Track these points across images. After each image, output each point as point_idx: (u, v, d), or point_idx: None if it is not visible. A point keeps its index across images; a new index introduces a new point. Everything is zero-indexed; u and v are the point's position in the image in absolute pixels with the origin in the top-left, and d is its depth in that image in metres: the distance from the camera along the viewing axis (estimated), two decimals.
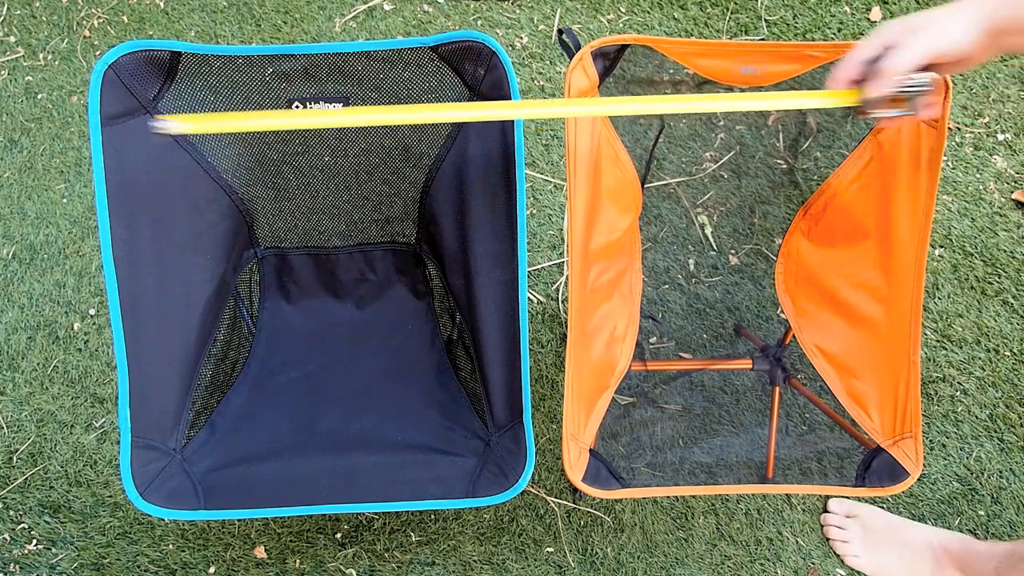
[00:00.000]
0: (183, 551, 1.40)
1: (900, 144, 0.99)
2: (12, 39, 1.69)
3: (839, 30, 1.62)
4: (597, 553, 1.39)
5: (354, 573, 1.38)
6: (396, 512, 1.41)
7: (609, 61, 0.96)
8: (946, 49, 0.70)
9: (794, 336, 1.27)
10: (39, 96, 1.65)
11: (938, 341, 1.48)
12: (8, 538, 1.42)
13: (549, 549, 1.40)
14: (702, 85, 1.19)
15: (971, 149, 1.56)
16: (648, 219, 1.46)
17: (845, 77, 0.76)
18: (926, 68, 0.73)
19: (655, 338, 1.47)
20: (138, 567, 1.40)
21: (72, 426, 1.47)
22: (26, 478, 1.45)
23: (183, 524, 1.40)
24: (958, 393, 1.45)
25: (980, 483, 1.41)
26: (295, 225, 1.23)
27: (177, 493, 0.95)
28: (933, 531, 1.34)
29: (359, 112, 0.82)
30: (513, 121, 0.93)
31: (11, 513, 1.43)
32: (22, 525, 1.43)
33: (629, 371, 1.22)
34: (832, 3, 1.63)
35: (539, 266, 1.54)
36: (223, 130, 0.79)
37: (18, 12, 1.70)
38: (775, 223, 1.39)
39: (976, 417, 1.44)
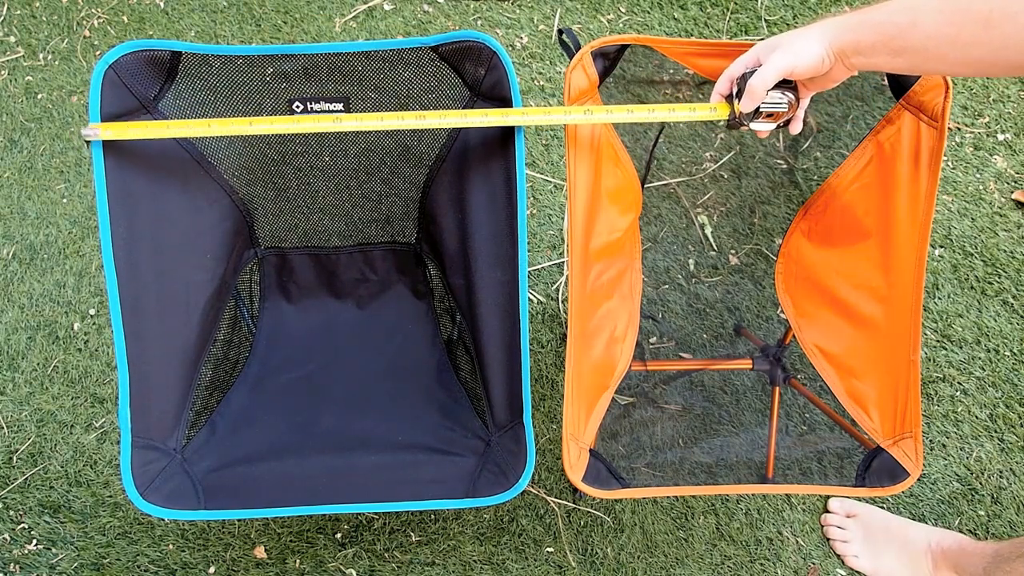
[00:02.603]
0: (183, 551, 1.40)
1: (900, 144, 0.99)
2: (12, 39, 1.69)
3: None
4: (597, 553, 1.39)
5: (354, 573, 1.38)
6: (396, 512, 1.41)
7: (609, 61, 0.96)
8: (797, 65, 0.78)
9: (794, 336, 1.27)
10: (39, 96, 1.65)
11: (938, 341, 1.48)
12: (8, 538, 1.42)
13: (549, 549, 1.40)
14: (702, 85, 1.19)
15: (971, 149, 1.56)
16: (648, 219, 1.46)
17: (720, 92, 0.86)
18: (789, 85, 0.83)
19: (655, 338, 1.47)
20: (138, 567, 1.40)
21: (72, 426, 1.47)
22: (26, 478, 1.45)
23: (183, 524, 1.40)
24: (958, 393, 1.45)
25: (980, 483, 1.41)
26: (295, 225, 1.23)
27: (177, 493, 0.95)
28: (932, 531, 1.34)
29: (348, 119, 0.87)
30: None
31: (11, 513, 1.43)
32: (22, 525, 1.43)
33: (629, 371, 1.22)
34: (832, 3, 1.63)
35: (539, 266, 1.54)
36: (150, 136, 0.83)
37: (18, 12, 1.70)
38: (775, 223, 1.39)
39: (976, 417, 1.44)
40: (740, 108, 0.84)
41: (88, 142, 0.84)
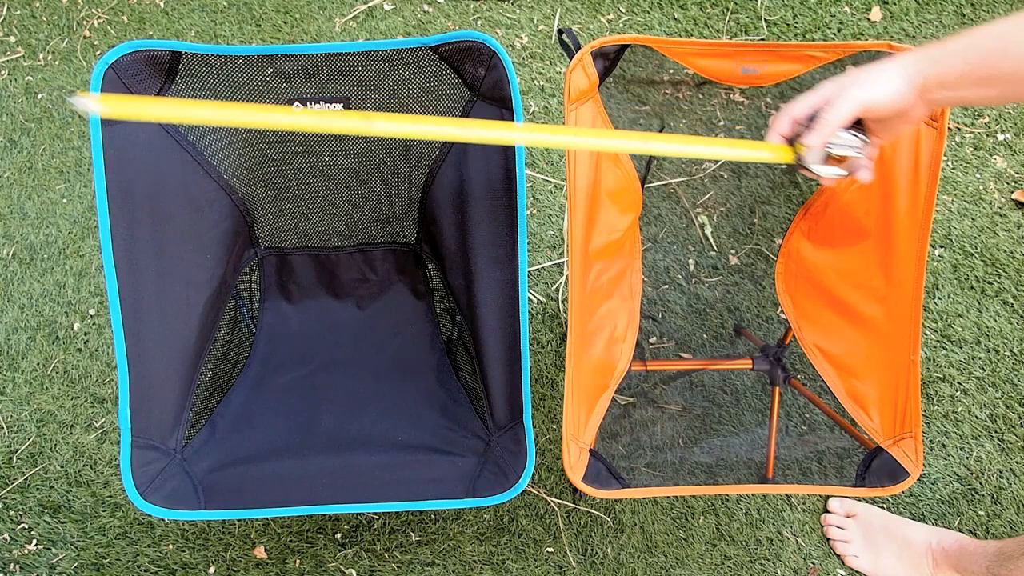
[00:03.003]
0: (183, 551, 1.40)
1: (900, 144, 0.99)
2: (12, 39, 1.69)
3: (839, 30, 1.62)
4: (597, 553, 1.39)
5: (354, 573, 1.38)
6: (396, 512, 1.41)
7: (609, 61, 0.96)
8: (877, 100, 0.72)
9: (794, 336, 1.27)
10: (39, 96, 1.65)
11: (938, 341, 1.48)
12: (8, 538, 1.42)
13: (549, 549, 1.40)
14: (702, 85, 1.19)
15: (971, 149, 1.56)
16: (648, 219, 1.46)
17: (780, 132, 0.78)
18: (862, 126, 0.75)
19: (655, 338, 1.47)
20: (138, 567, 1.40)
21: (72, 426, 1.47)
22: (26, 478, 1.45)
23: (183, 524, 1.40)
24: (958, 393, 1.45)
25: (980, 483, 1.41)
26: (295, 225, 1.23)
27: (177, 493, 0.95)
28: (932, 531, 1.34)
29: (332, 115, 0.70)
30: (513, 121, 0.93)
31: (11, 513, 1.43)
32: (22, 525, 1.43)
33: (629, 371, 1.22)
34: (832, 3, 1.63)
35: (539, 266, 1.54)
36: (144, 117, 0.73)
37: (18, 12, 1.70)
38: (775, 223, 1.39)
39: (976, 417, 1.44)
40: (806, 147, 0.75)
41: (92, 144, 0.78)
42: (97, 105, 0.68)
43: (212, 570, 1.39)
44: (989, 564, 1.17)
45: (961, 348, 1.47)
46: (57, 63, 1.67)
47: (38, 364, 1.51)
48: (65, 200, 1.59)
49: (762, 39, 1.63)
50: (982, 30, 0.69)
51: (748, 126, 1.38)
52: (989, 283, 1.50)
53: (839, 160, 0.76)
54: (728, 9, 1.64)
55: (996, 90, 0.68)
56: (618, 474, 1.04)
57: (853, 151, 0.75)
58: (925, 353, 1.47)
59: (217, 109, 0.71)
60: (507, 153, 0.96)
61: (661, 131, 1.22)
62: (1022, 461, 1.42)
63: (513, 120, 0.93)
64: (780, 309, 1.40)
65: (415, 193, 1.18)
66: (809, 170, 0.77)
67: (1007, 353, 1.47)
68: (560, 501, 1.41)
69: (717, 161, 1.45)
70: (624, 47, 0.95)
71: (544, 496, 1.42)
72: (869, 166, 0.78)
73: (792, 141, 0.77)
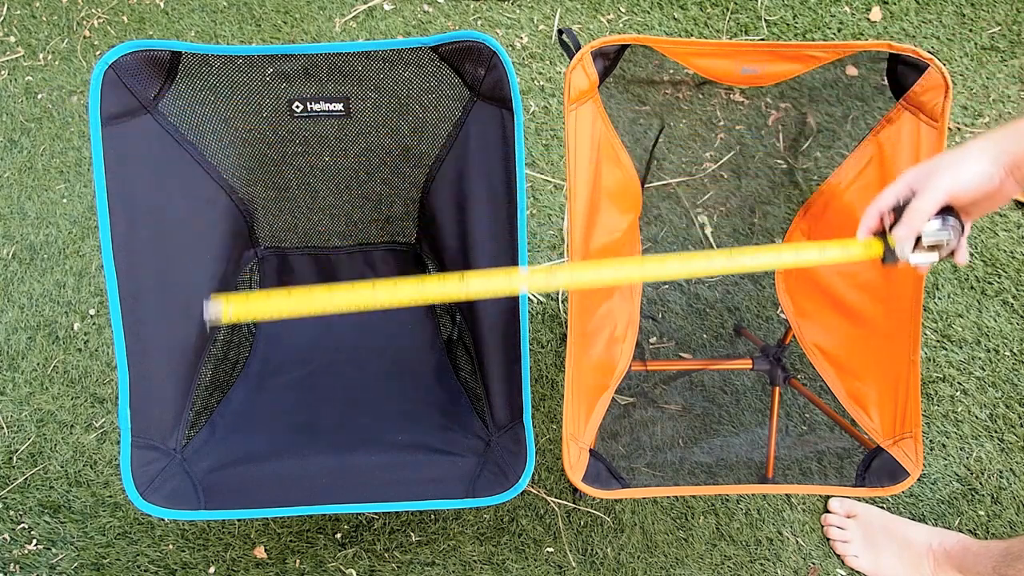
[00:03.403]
0: (183, 551, 1.40)
1: (900, 144, 0.99)
2: (12, 39, 1.69)
3: (839, 30, 1.62)
4: (597, 553, 1.39)
5: (354, 573, 1.38)
6: (396, 512, 1.41)
7: (609, 61, 0.96)
8: (965, 187, 0.70)
9: (794, 336, 1.27)
10: (39, 96, 1.65)
11: (938, 341, 1.48)
12: (8, 538, 1.42)
13: (549, 549, 1.40)
14: (702, 85, 1.19)
15: None
16: (648, 219, 1.45)
17: (870, 227, 0.76)
18: (952, 211, 0.73)
19: (655, 338, 1.47)
20: (138, 567, 1.40)
21: (72, 426, 1.47)
22: (26, 478, 1.45)
23: (183, 524, 1.40)
24: (958, 393, 1.45)
25: (980, 483, 1.41)
26: (295, 225, 1.23)
27: (177, 493, 0.95)
28: (932, 531, 1.34)
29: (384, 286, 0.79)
30: (513, 121, 0.93)
31: (11, 513, 1.43)
32: (22, 525, 1.43)
33: (629, 371, 1.22)
34: (832, 3, 1.63)
35: (539, 266, 1.54)
36: (273, 315, 0.78)
37: (18, 12, 1.70)
38: (775, 223, 1.39)
39: (976, 417, 1.44)
40: (897, 238, 0.73)
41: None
42: (227, 308, 0.73)
43: (212, 570, 1.39)
44: (996, 564, 1.16)
45: (961, 348, 1.47)
46: (57, 63, 1.67)
47: (38, 364, 1.51)
48: (65, 200, 1.59)
49: (762, 39, 1.63)
50: None
51: (748, 126, 1.38)
52: (989, 283, 1.50)
53: (931, 247, 0.75)
54: (728, 9, 1.64)
55: None
56: (618, 474, 1.04)
57: (944, 236, 0.73)
58: (925, 353, 1.47)
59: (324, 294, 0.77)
60: (507, 153, 0.96)
61: (661, 130, 1.22)
62: (1022, 461, 1.42)
63: (513, 120, 0.93)
64: (780, 309, 1.40)
65: (415, 193, 1.18)
66: (902, 261, 0.75)
67: (1007, 353, 1.47)
68: (560, 501, 1.41)
69: (717, 162, 1.45)
70: (624, 47, 0.95)
71: (544, 496, 1.42)
72: (963, 245, 0.75)
73: (883, 233, 0.76)
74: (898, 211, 0.74)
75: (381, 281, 0.78)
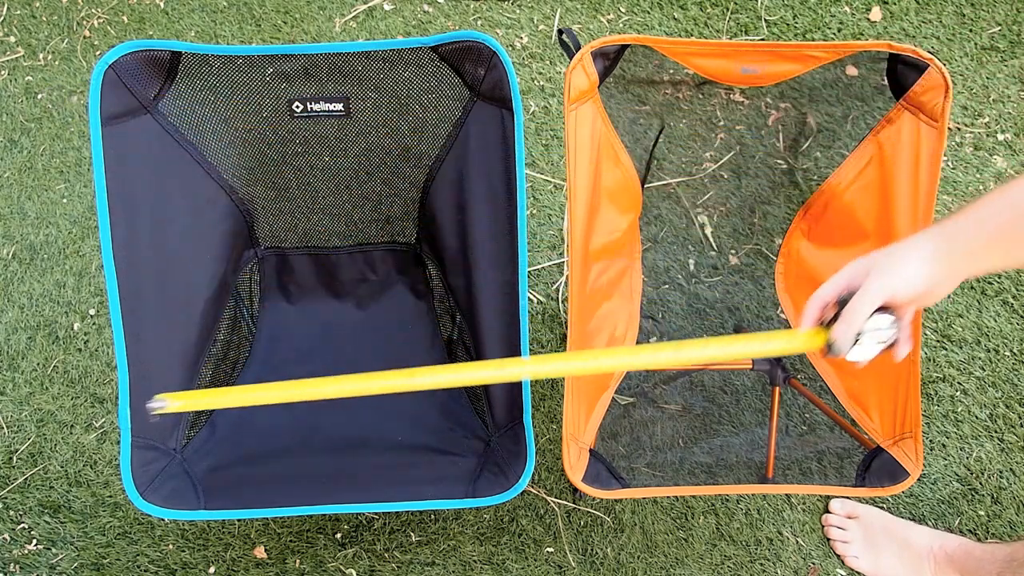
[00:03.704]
0: (183, 551, 1.40)
1: (900, 144, 0.99)
2: (12, 39, 1.69)
3: (839, 30, 1.62)
4: (597, 553, 1.39)
5: (354, 573, 1.38)
6: (396, 512, 1.41)
7: (609, 61, 0.96)
8: (903, 290, 0.70)
9: None
10: (39, 96, 1.65)
11: (938, 341, 1.48)
12: (8, 538, 1.42)
13: (549, 549, 1.40)
14: (702, 85, 1.19)
15: (971, 149, 1.56)
16: (648, 219, 1.45)
17: (812, 317, 0.77)
18: (890, 308, 0.73)
19: (655, 338, 1.47)
20: (138, 567, 1.40)
21: (72, 426, 1.47)
22: (26, 478, 1.45)
23: (183, 524, 1.40)
24: (958, 393, 1.45)
25: (980, 483, 1.41)
26: (295, 225, 1.23)
27: (177, 493, 0.95)
28: (934, 534, 1.34)
29: (360, 380, 0.79)
30: (513, 121, 0.93)
31: (11, 513, 1.43)
32: (22, 525, 1.43)
33: (629, 371, 1.22)
34: (832, 3, 1.63)
35: (539, 266, 1.54)
36: (216, 405, 0.82)
37: (18, 12, 1.70)
38: (775, 223, 1.38)
39: (976, 417, 1.44)
40: (835, 337, 0.73)
41: None
42: (173, 403, 0.77)
43: (212, 570, 1.39)
44: (1001, 570, 1.15)
45: (961, 348, 1.47)
46: (57, 63, 1.67)
47: (38, 364, 1.51)
48: (65, 200, 1.59)
49: (762, 39, 1.63)
50: (996, 198, 0.67)
51: (748, 126, 1.38)
52: (989, 283, 1.50)
53: (871, 342, 0.75)
54: (728, 9, 1.64)
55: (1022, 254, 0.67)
56: (618, 474, 1.04)
57: (882, 335, 0.74)
58: (925, 353, 1.47)
59: (276, 391, 0.79)
60: (507, 153, 0.96)
61: (661, 130, 1.22)
62: (1022, 461, 1.42)
63: (513, 120, 0.93)
64: (780, 309, 1.40)
65: (415, 193, 1.18)
66: (843, 355, 0.75)
67: (1007, 353, 1.47)
68: (560, 501, 1.41)
69: (717, 162, 1.45)
70: (624, 47, 0.95)
71: (544, 496, 1.42)
72: (904, 339, 0.75)
73: (826, 322, 0.76)
74: (840, 303, 0.74)
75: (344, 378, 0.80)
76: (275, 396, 0.80)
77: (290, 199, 1.19)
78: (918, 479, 1.23)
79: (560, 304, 1.52)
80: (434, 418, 1.15)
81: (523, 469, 0.94)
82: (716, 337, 0.75)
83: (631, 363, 0.81)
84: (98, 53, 1.67)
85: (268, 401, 0.80)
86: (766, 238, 1.42)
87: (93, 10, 1.69)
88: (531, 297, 1.52)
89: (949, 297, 1.50)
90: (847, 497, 1.39)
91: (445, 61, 0.98)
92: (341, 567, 1.39)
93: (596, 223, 1.05)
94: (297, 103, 1.03)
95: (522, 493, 1.36)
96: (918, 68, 0.93)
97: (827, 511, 1.40)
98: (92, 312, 1.54)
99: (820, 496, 1.41)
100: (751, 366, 1.33)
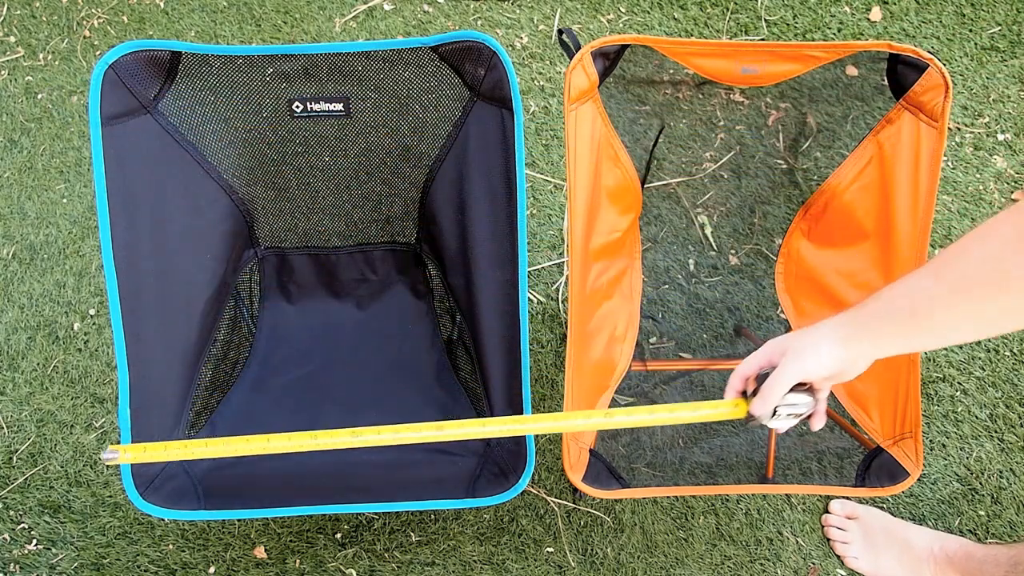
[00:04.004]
0: (183, 551, 1.40)
1: (900, 144, 0.99)
2: (12, 39, 1.69)
3: (839, 30, 1.62)
4: (597, 553, 1.39)
5: (354, 573, 1.38)
6: (396, 512, 1.41)
7: (609, 61, 0.96)
8: (816, 372, 0.75)
9: None
10: (39, 96, 1.65)
11: None
12: (8, 538, 1.42)
13: (549, 549, 1.40)
14: (702, 85, 1.19)
15: (971, 149, 1.56)
16: (648, 219, 1.45)
17: (735, 389, 0.83)
18: (805, 386, 0.78)
19: (655, 338, 1.47)
20: (138, 567, 1.40)
21: (72, 426, 1.47)
22: (26, 478, 1.45)
23: (183, 524, 1.40)
24: (958, 393, 1.45)
25: (980, 483, 1.41)
26: (295, 225, 1.23)
27: (177, 493, 0.95)
28: (933, 534, 1.34)
29: (331, 435, 0.83)
30: (513, 121, 0.93)
31: (11, 513, 1.43)
32: (22, 525, 1.43)
33: (629, 371, 1.22)
34: (832, 3, 1.63)
35: (539, 266, 1.54)
36: (171, 458, 0.85)
37: (18, 12, 1.70)
38: (775, 223, 1.38)
39: (976, 417, 1.44)
40: (753, 411, 0.80)
41: None
42: (125, 455, 0.80)
43: (212, 570, 1.39)
44: (1005, 574, 1.15)
45: (961, 348, 1.47)
46: (57, 63, 1.67)
47: (38, 364, 1.51)
48: (65, 200, 1.59)
49: (762, 39, 1.63)
50: (897, 286, 0.71)
51: (748, 126, 1.38)
52: None
53: (788, 415, 0.81)
54: (728, 9, 1.64)
55: (926, 340, 0.70)
56: (618, 474, 1.04)
57: (797, 410, 0.79)
58: (925, 353, 1.47)
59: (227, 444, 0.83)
60: (507, 153, 0.96)
61: (661, 130, 1.22)
62: (1022, 461, 1.42)
63: (513, 120, 0.93)
64: (780, 309, 1.40)
65: (415, 193, 1.18)
66: (761, 424, 0.81)
67: (1007, 353, 1.47)
68: (560, 501, 1.41)
69: (717, 162, 1.45)
70: (624, 47, 0.95)
71: (544, 496, 1.42)
72: (819, 412, 0.81)
73: (749, 393, 0.82)
74: (760, 379, 0.79)
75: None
76: (227, 450, 0.84)
77: (290, 199, 1.18)
78: (918, 479, 1.23)
79: (560, 304, 1.52)
80: (434, 418, 1.15)
81: (523, 469, 0.94)
82: (661, 405, 0.84)
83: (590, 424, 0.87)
84: (98, 53, 1.67)
85: (225, 454, 0.84)
86: (766, 238, 1.42)
87: (93, 10, 1.69)
88: (531, 297, 1.52)
89: None
90: (847, 497, 1.39)
91: (445, 61, 0.98)
92: (341, 567, 1.39)
93: (596, 223, 1.05)
94: (297, 103, 1.03)
95: (522, 493, 1.36)
96: (918, 68, 0.93)
97: (827, 511, 1.40)
98: (92, 312, 1.54)
99: (820, 496, 1.41)
100: None
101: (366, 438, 0.85)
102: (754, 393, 0.80)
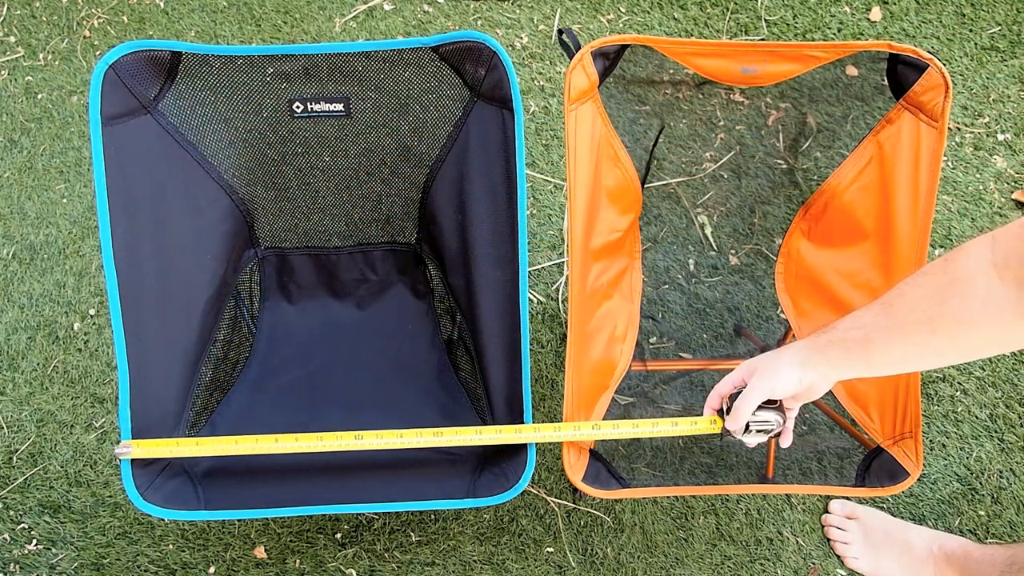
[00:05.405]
0: (183, 551, 1.40)
1: (900, 144, 0.99)
2: (12, 39, 1.69)
3: (839, 30, 1.62)
4: (597, 553, 1.39)
5: (354, 573, 1.38)
6: (396, 512, 1.41)
7: (609, 61, 0.96)
8: (781, 391, 0.81)
9: (794, 336, 1.27)
10: (39, 96, 1.65)
11: None
12: (8, 538, 1.42)
13: (549, 549, 1.40)
14: (702, 85, 1.19)
15: (971, 149, 1.56)
16: (648, 219, 1.45)
17: (712, 406, 0.90)
18: (774, 404, 0.86)
19: (655, 338, 1.47)
20: (138, 567, 1.40)
21: (72, 426, 1.47)
22: (26, 478, 1.45)
23: (183, 524, 1.40)
24: (958, 393, 1.45)
25: (980, 483, 1.41)
26: (295, 225, 1.23)
27: (177, 493, 0.95)
28: (933, 534, 1.34)
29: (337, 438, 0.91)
30: (513, 121, 0.93)
31: (11, 513, 1.43)
32: (22, 525, 1.43)
33: (629, 371, 1.22)
34: (832, 3, 1.63)
35: (539, 266, 1.54)
36: (182, 454, 0.93)
37: (18, 12, 1.70)
38: (775, 223, 1.38)
39: (976, 417, 1.44)
40: (727, 427, 0.87)
41: None
42: (137, 449, 0.88)
43: (212, 570, 1.39)
44: (1001, 573, 1.15)
45: None
46: (57, 63, 1.67)
47: (38, 364, 1.51)
48: (65, 200, 1.59)
49: (762, 39, 1.63)
50: (851, 320, 0.77)
51: (748, 126, 1.38)
52: None
53: (759, 431, 0.88)
54: (728, 9, 1.64)
55: (880, 368, 0.76)
56: (618, 474, 1.04)
57: (769, 424, 0.87)
58: None
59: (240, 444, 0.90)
60: (507, 153, 0.96)
61: (661, 130, 1.22)
62: (1022, 461, 1.42)
63: (513, 120, 0.93)
64: (780, 309, 1.40)
65: (415, 193, 1.18)
66: (736, 438, 0.89)
67: (1007, 353, 1.47)
68: (560, 501, 1.41)
69: (717, 162, 1.45)
70: (624, 47, 0.95)
71: (544, 496, 1.42)
72: (788, 430, 0.89)
73: (725, 411, 0.89)
74: (733, 397, 0.86)
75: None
76: (236, 449, 0.89)
77: (290, 199, 1.18)
78: (918, 479, 1.23)
79: (560, 304, 1.52)
80: (434, 418, 1.15)
81: (523, 469, 0.94)
82: (645, 420, 0.93)
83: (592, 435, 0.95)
84: (98, 53, 1.67)
85: (234, 452, 0.90)
86: (766, 238, 1.42)
87: (93, 10, 1.69)
88: (531, 297, 1.52)
89: None
90: (847, 497, 1.39)
91: (445, 61, 0.98)
92: (341, 567, 1.39)
93: (596, 223, 1.05)
94: (297, 103, 1.03)
95: (522, 493, 1.36)
96: (918, 68, 0.93)
97: (827, 511, 1.40)
98: (92, 312, 1.54)
99: (820, 496, 1.41)
100: None
101: (369, 441, 0.90)
102: (727, 411, 0.87)
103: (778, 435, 0.89)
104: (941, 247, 1.52)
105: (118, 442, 0.95)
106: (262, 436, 0.88)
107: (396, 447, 0.90)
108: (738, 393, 0.85)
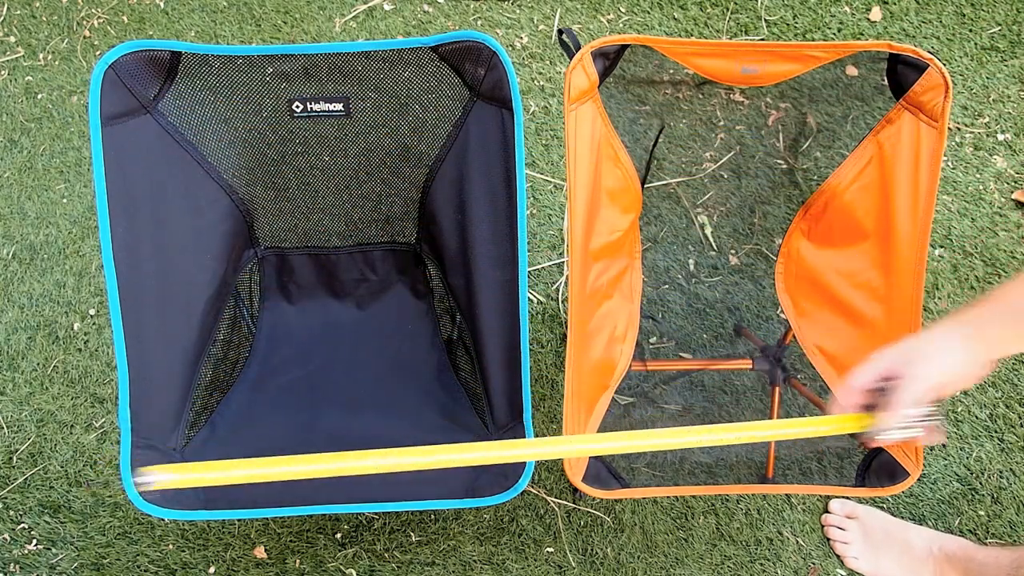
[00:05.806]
0: (183, 551, 1.40)
1: (900, 144, 0.99)
2: (12, 39, 1.69)
3: (839, 30, 1.62)
4: (597, 553, 1.39)
5: (354, 573, 1.38)
6: (396, 512, 1.41)
7: (609, 61, 0.96)
8: (951, 380, 0.71)
9: (794, 336, 1.27)
10: (39, 96, 1.65)
11: None
12: (8, 538, 1.42)
13: (549, 549, 1.40)
14: (702, 85, 1.19)
15: (971, 149, 1.56)
16: (648, 219, 1.45)
17: (852, 404, 0.76)
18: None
19: (655, 338, 1.47)
20: (138, 567, 1.40)
21: (72, 426, 1.47)
22: (26, 478, 1.45)
23: (183, 524, 1.40)
24: (958, 393, 1.45)
25: (980, 483, 1.41)
26: (295, 225, 1.23)
27: (177, 493, 0.95)
28: (933, 535, 1.34)
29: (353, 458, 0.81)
30: (513, 121, 0.93)
31: (11, 513, 1.43)
32: (22, 525, 1.43)
33: (629, 371, 1.22)
34: (832, 3, 1.63)
35: (539, 266, 1.54)
36: (207, 482, 0.81)
37: (18, 12, 1.70)
38: (775, 223, 1.39)
39: (976, 417, 1.44)
40: (885, 425, 0.74)
41: None
42: (162, 476, 0.75)
43: (212, 570, 1.39)
44: (1009, 574, 1.15)
45: None
46: (57, 63, 1.67)
47: (38, 364, 1.51)
48: (65, 200, 1.59)
49: (762, 39, 1.63)
50: (1018, 287, 0.70)
51: (748, 126, 1.38)
52: (989, 283, 1.50)
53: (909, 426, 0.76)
54: (728, 9, 1.64)
55: None
56: (618, 474, 1.04)
57: (922, 419, 0.74)
58: None
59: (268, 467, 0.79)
60: (507, 153, 0.96)
61: (661, 130, 1.22)
62: (1022, 461, 1.42)
63: (512, 119, 0.93)
64: (780, 309, 1.40)
65: (415, 193, 1.18)
66: (879, 439, 0.76)
67: None
68: (560, 501, 1.41)
69: (717, 162, 1.45)
70: (624, 47, 0.95)
71: (544, 496, 1.42)
72: (941, 426, 0.76)
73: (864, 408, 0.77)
74: (880, 393, 0.74)
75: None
76: (267, 474, 0.80)
77: (290, 199, 1.19)
78: (918, 479, 1.23)
79: (560, 304, 1.52)
80: (434, 418, 1.15)
81: (523, 469, 0.94)
82: (772, 421, 0.81)
83: (685, 442, 0.79)
84: (98, 53, 1.67)
85: (263, 479, 0.80)
86: (766, 238, 1.42)
87: (93, 10, 1.69)
88: (531, 297, 1.52)
89: (949, 297, 1.50)
90: (847, 497, 1.39)
91: (445, 61, 0.98)
92: (341, 567, 1.39)
93: (596, 223, 1.05)
94: (297, 103, 1.03)
95: (522, 493, 1.36)
96: (918, 68, 0.93)
97: (827, 511, 1.40)
98: (92, 312, 1.54)
99: (820, 496, 1.41)
100: (751, 366, 1.33)
101: (374, 461, 0.83)
102: (872, 407, 0.75)
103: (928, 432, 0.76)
104: (941, 247, 1.52)
105: (117, 442, 0.94)
106: (286, 458, 0.82)
107: (395, 469, 0.83)
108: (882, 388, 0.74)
